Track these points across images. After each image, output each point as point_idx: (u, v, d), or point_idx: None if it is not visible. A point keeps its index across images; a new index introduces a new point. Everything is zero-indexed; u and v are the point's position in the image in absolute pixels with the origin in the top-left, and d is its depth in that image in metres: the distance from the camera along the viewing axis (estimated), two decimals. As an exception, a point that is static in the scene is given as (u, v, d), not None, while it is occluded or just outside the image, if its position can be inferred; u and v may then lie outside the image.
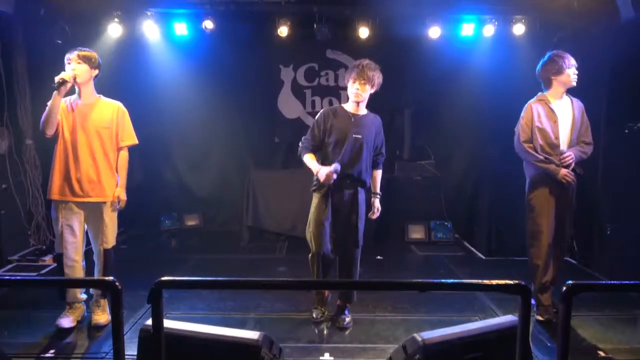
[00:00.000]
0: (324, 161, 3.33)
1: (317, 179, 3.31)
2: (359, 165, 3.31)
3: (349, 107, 3.39)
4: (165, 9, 5.32)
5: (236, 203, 6.08)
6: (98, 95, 3.35)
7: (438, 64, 5.60)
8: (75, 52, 3.19)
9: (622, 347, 3.12)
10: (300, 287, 3.23)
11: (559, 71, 3.39)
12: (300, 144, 3.43)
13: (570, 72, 3.39)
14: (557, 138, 3.41)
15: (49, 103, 3.14)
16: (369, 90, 3.30)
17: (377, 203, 3.49)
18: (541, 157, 3.39)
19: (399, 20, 5.27)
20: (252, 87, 6.09)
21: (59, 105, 3.13)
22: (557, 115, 3.42)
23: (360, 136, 3.29)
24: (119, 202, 3.35)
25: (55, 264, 4.66)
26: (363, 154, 3.30)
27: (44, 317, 3.43)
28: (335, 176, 3.18)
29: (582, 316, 3.50)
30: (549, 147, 3.40)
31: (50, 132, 3.16)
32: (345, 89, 3.52)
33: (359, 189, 3.37)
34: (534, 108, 3.45)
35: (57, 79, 3.04)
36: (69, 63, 3.18)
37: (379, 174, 3.52)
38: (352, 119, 3.32)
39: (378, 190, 3.50)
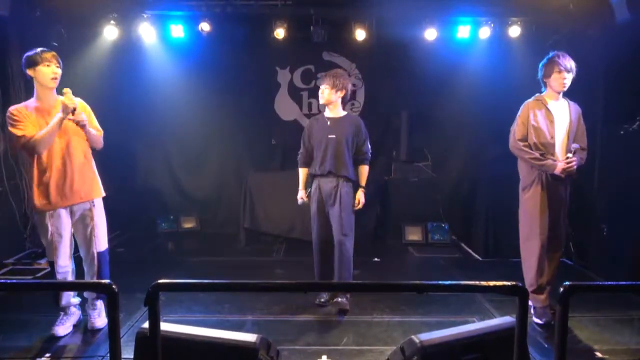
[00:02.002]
0: (313, 160, 3.80)
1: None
2: (337, 161, 3.67)
3: (327, 113, 3.78)
4: (162, 11, 5.32)
5: (233, 205, 6.07)
6: (57, 96, 3.12)
7: (434, 66, 5.62)
8: (51, 54, 3.03)
9: (619, 348, 3.13)
10: (297, 289, 3.21)
11: (547, 75, 3.41)
12: (298, 154, 3.88)
13: (559, 77, 3.35)
14: (552, 138, 3.40)
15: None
16: (334, 94, 3.66)
17: (359, 195, 3.77)
18: (536, 155, 3.39)
19: (396, 22, 5.28)
20: (248, 89, 6.09)
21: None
22: (553, 115, 3.41)
23: (334, 136, 3.67)
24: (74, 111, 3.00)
25: (50, 268, 4.66)
26: (340, 151, 3.67)
27: (39, 321, 3.42)
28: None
29: (579, 317, 3.51)
30: (543, 147, 3.39)
31: (44, 152, 3.03)
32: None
33: (342, 182, 3.69)
34: (530, 107, 3.46)
35: (70, 105, 2.92)
36: (48, 65, 3.00)
37: (364, 169, 3.82)
38: (328, 123, 3.72)
39: (363, 184, 3.81)
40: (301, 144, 3.86)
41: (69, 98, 2.96)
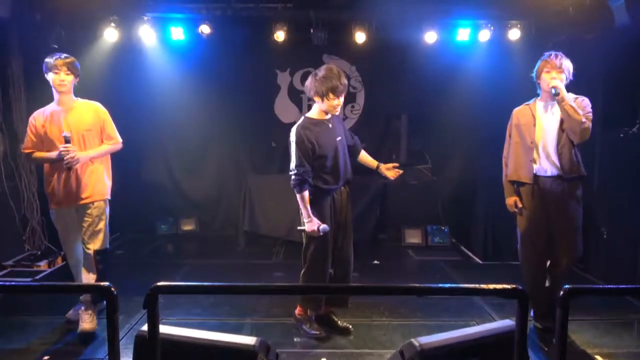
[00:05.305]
0: (319, 173, 3.19)
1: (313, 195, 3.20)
2: (348, 167, 3.34)
3: (319, 115, 3.25)
4: (162, 13, 5.33)
5: (233, 208, 6.07)
6: (75, 98, 3.36)
7: (434, 69, 5.62)
8: (62, 61, 3.19)
9: (619, 352, 3.13)
10: (297, 292, 3.22)
11: (537, 76, 3.31)
12: (295, 174, 3.13)
13: (547, 76, 3.19)
14: (532, 142, 3.28)
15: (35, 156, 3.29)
16: None
17: (387, 166, 3.42)
18: (504, 178, 3.48)
19: (395, 25, 5.28)
20: (248, 92, 6.09)
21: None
22: (536, 118, 3.29)
23: (340, 138, 3.29)
24: (69, 152, 3.14)
25: (49, 270, 4.69)
26: (346, 154, 3.34)
27: (37, 323, 3.41)
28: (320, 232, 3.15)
29: (579, 320, 3.50)
30: (524, 155, 3.31)
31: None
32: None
33: (348, 189, 3.39)
34: (514, 115, 3.44)
35: (65, 162, 3.13)
36: (56, 72, 3.18)
37: (365, 153, 3.55)
38: (330, 125, 3.26)
39: (377, 162, 3.48)
40: (302, 162, 3.11)
41: (68, 151, 3.14)
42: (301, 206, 3.17)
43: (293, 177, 3.13)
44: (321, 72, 3.17)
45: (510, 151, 3.46)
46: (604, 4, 4.25)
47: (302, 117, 3.29)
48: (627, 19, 4.07)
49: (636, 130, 4.11)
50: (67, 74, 3.21)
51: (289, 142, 3.20)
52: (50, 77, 3.21)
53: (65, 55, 3.26)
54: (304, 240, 3.31)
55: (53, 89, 3.26)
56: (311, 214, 3.14)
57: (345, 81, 3.17)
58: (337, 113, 3.28)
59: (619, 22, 4.15)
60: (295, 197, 3.19)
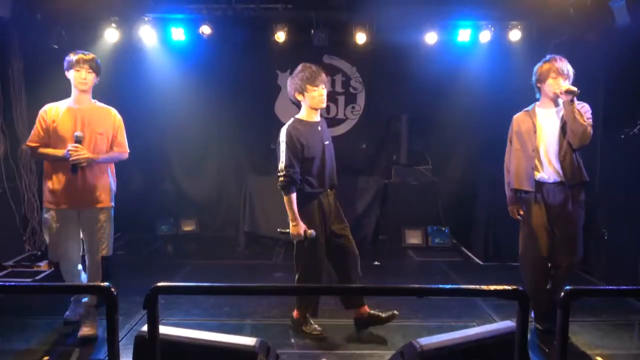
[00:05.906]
0: (304, 176, 3.16)
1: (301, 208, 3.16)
2: (335, 172, 3.31)
3: (308, 116, 3.20)
4: (163, 14, 5.34)
5: (233, 208, 6.07)
6: (93, 100, 3.31)
7: (435, 70, 5.62)
8: (85, 59, 3.15)
9: (620, 353, 3.12)
10: (297, 293, 3.22)
11: (540, 79, 3.25)
12: (284, 175, 3.08)
13: (554, 83, 3.14)
14: (534, 150, 3.26)
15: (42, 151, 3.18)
16: None
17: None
18: (506, 186, 3.47)
19: (396, 26, 5.29)
20: (249, 93, 6.09)
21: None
22: (536, 125, 3.25)
23: (328, 142, 3.26)
24: (76, 150, 3.06)
25: (49, 270, 4.65)
26: (334, 159, 3.30)
27: (37, 324, 3.41)
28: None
29: (580, 322, 3.50)
30: (526, 161, 3.30)
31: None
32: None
33: (334, 193, 3.34)
34: (514, 122, 3.43)
35: (72, 160, 3.04)
36: (78, 70, 3.13)
37: None
38: (319, 128, 3.23)
39: None
40: (292, 161, 3.06)
41: (77, 151, 3.06)
42: (287, 208, 3.12)
43: (282, 178, 3.08)
44: (295, 70, 3.18)
45: (511, 158, 3.46)
46: (604, 5, 4.25)
47: (292, 118, 3.22)
48: (628, 19, 4.07)
49: (637, 132, 4.11)
50: (89, 72, 3.16)
51: (278, 142, 3.15)
52: (71, 74, 3.16)
53: (87, 52, 3.22)
54: (294, 246, 3.27)
55: (73, 87, 3.20)
56: (298, 217, 3.10)
57: (323, 74, 3.14)
58: (324, 105, 3.20)
59: (619, 23, 4.15)
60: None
